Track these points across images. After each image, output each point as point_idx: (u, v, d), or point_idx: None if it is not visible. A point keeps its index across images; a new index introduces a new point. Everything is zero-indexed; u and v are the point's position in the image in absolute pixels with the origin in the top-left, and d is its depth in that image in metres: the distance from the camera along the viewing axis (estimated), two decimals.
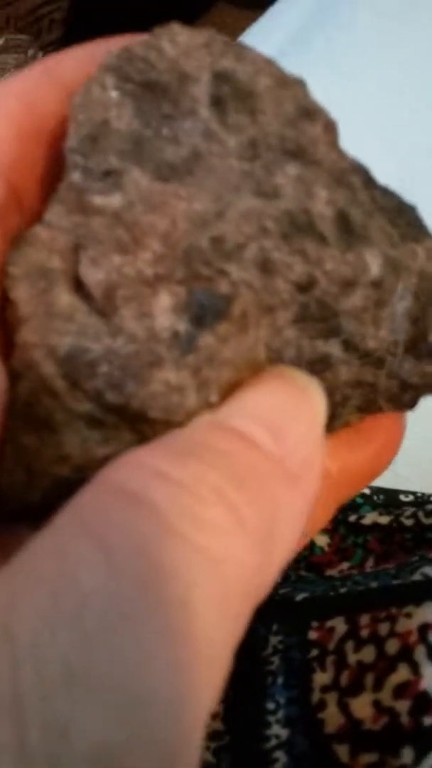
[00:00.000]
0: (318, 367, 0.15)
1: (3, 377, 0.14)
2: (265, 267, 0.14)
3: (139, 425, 0.14)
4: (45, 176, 0.15)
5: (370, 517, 0.39)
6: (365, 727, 0.28)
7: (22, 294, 0.14)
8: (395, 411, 0.17)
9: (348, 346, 0.15)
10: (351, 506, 0.43)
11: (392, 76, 0.62)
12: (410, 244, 0.16)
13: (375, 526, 0.38)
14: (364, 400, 0.16)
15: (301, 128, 0.15)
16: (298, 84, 0.16)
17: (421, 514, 0.38)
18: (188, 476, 0.12)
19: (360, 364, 0.16)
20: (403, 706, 0.28)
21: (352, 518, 0.39)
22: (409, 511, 0.38)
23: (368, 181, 0.16)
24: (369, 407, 0.17)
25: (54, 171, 0.15)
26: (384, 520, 0.38)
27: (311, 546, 0.39)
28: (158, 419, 0.14)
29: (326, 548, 0.39)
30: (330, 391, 0.16)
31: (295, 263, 0.14)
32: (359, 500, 0.46)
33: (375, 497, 0.47)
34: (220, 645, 0.11)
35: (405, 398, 0.17)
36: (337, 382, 0.16)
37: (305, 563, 0.39)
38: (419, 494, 0.48)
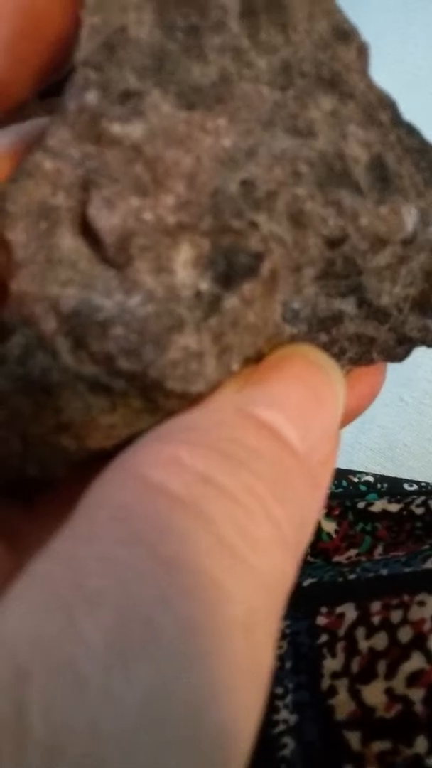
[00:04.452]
0: (328, 324, 0.14)
1: None
2: (298, 220, 0.13)
3: (152, 394, 0.12)
4: (37, 73, 0.13)
5: (379, 505, 0.38)
6: (377, 715, 0.27)
7: (19, 235, 0.12)
8: (385, 361, 0.16)
9: (362, 302, 0.14)
10: (357, 493, 0.43)
11: (410, 62, 0.61)
12: None
13: (384, 513, 0.38)
14: (359, 352, 0.15)
15: (335, 51, 0.14)
16: None
17: (431, 502, 0.38)
18: (237, 486, 0.11)
19: (364, 317, 0.15)
20: (416, 694, 0.27)
21: (361, 505, 0.39)
22: (420, 499, 0.38)
23: (395, 117, 0.14)
24: (362, 359, 0.15)
25: (49, 71, 0.13)
26: (393, 508, 0.38)
27: (318, 532, 0.39)
28: (175, 390, 0.12)
29: (333, 534, 0.39)
30: (330, 345, 0.14)
31: (329, 216, 0.13)
32: (363, 488, 0.46)
33: (379, 485, 0.46)
34: (270, 667, 0.11)
35: (398, 351, 0.16)
36: (338, 337, 0.14)
37: (312, 549, 0.38)
38: (423, 484, 0.47)
